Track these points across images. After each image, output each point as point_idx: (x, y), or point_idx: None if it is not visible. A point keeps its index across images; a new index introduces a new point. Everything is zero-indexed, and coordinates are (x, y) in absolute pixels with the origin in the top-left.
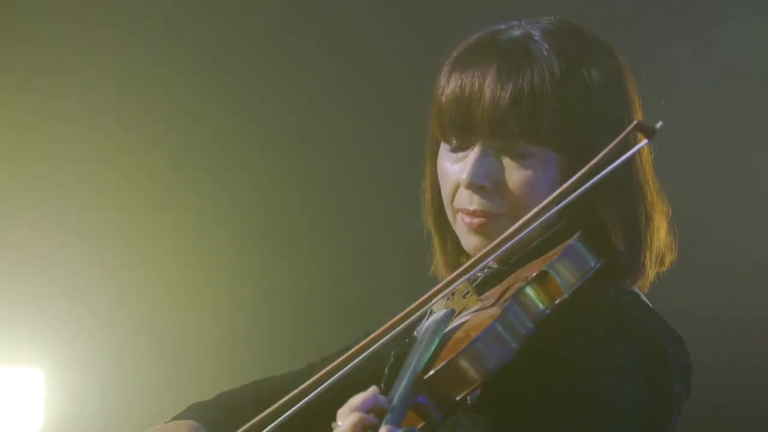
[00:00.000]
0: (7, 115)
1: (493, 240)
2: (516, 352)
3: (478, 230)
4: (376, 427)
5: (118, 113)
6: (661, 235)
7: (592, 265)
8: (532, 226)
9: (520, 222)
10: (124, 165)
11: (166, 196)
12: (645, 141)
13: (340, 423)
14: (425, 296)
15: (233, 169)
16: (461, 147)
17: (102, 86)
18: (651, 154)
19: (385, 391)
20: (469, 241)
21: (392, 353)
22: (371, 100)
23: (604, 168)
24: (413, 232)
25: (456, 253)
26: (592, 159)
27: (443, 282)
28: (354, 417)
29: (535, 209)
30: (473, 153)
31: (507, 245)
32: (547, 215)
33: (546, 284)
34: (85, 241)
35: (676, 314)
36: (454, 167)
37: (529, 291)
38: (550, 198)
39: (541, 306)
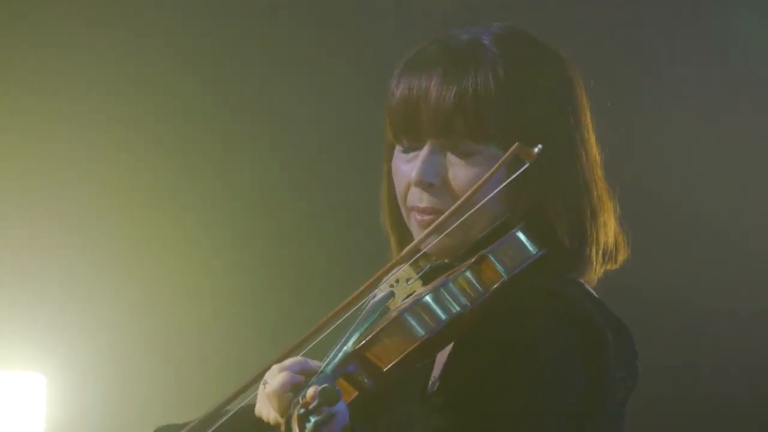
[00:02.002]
0: (7, 116)
1: (447, 236)
2: (447, 325)
3: (429, 227)
4: (304, 385)
5: (116, 113)
6: (608, 231)
7: (533, 253)
8: (464, 215)
9: (450, 210)
10: (124, 168)
11: (167, 198)
12: (526, 164)
13: (269, 381)
14: (365, 285)
15: (234, 170)
16: (412, 147)
17: (100, 86)
18: (600, 154)
19: None
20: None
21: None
22: (371, 97)
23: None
24: None
25: None
26: (544, 155)
27: (382, 270)
28: (283, 375)
29: (461, 199)
30: (422, 152)
31: (441, 230)
32: (479, 204)
33: (484, 268)
34: (86, 244)
35: (680, 313)
36: (406, 167)
37: (468, 273)
38: (473, 188)
39: (479, 288)
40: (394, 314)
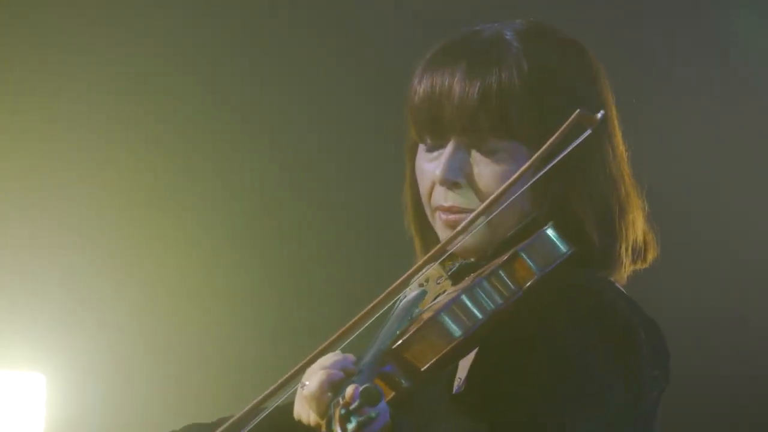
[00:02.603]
0: (7, 116)
1: (472, 235)
2: (484, 324)
3: (454, 226)
4: (343, 384)
5: (116, 113)
6: (637, 228)
7: (564, 251)
8: (493, 213)
9: (480, 208)
10: (124, 168)
11: (167, 198)
12: (588, 131)
13: (308, 382)
14: (396, 283)
15: (234, 170)
16: (436, 146)
17: (100, 86)
18: (628, 151)
19: None
20: (447, 237)
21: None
22: (372, 98)
23: (555, 157)
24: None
25: None
26: (561, 152)
27: (412, 269)
28: (322, 374)
29: (492, 197)
30: (446, 150)
31: (470, 229)
32: (507, 202)
33: (517, 266)
34: (86, 244)
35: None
36: (430, 166)
37: (501, 272)
38: (504, 186)
39: (512, 286)
40: (429, 314)
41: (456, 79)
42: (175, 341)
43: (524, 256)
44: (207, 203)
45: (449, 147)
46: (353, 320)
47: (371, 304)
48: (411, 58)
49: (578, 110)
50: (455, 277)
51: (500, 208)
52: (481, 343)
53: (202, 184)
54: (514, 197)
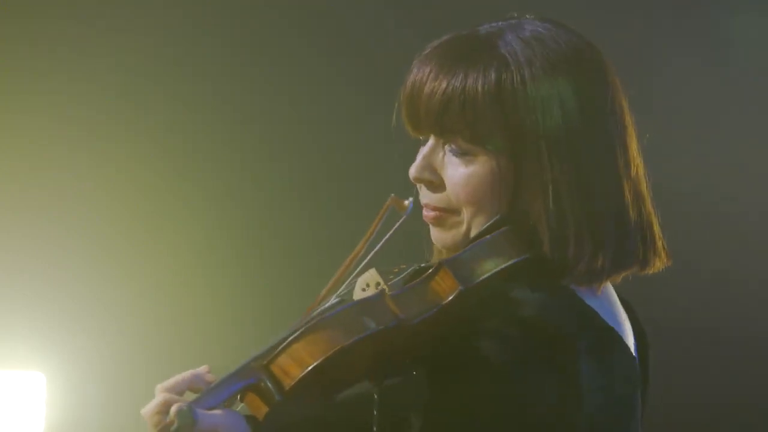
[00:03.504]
0: (7, 116)
1: (450, 233)
2: (373, 334)
3: (435, 223)
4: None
5: (116, 113)
6: (628, 234)
7: (511, 259)
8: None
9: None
10: (124, 167)
11: (167, 198)
12: (403, 217)
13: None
14: (325, 288)
15: (235, 170)
16: (424, 142)
17: (101, 88)
18: (641, 161)
19: None
20: (431, 233)
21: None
22: (371, 98)
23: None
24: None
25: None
26: (535, 160)
27: (337, 273)
28: (159, 397)
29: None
30: (425, 147)
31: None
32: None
33: (439, 278)
34: (86, 243)
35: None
36: None
37: (421, 284)
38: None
39: (431, 299)
40: (307, 323)
41: (428, 78)
42: (176, 341)
43: (447, 267)
44: (208, 203)
45: (427, 145)
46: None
47: (309, 314)
48: (412, 58)
49: (392, 195)
50: (405, 281)
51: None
52: (428, 358)
53: (202, 184)
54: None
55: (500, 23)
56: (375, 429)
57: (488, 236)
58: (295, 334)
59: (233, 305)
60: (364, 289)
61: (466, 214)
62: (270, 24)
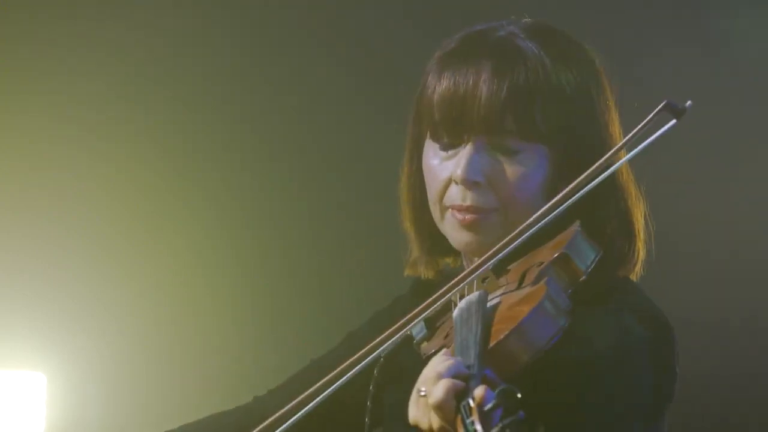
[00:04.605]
0: (7, 116)
1: (484, 235)
2: (565, 330)
3: (470, 226)
4: (467, 392)
5: (116, 113)
6: (641, 227)
7: (596, 250)
8: (550, 216)
9: (529, 231)
10: (125, 167)
11: (167, 198)
12: (673, 121)
13: (424, 389)
14: (437, 293)
15: (235, 170)
16: (452, 145)
17: (101, 88)
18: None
19: (378, 391)
20: (461, 237)
21: (381, 354)
22: (371, 98)
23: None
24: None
25: (439, 251)
26: (581, 152)
27: (453, 281)
28: (446, 383)
29: (555, 199)
30: (466, 150)
31: (522, 237)
32: (548, 218)
33: (568, 266)
34: (86, 243)
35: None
36: (445, 165)
37: (555, 271)
38: (567, 189)
39: (569, 286)
40: (511, 318)
41: (482, 78)
42: (175, 341)
43: (572, 256)
44: (208, 204)
45: (469, 147)
46: (385, 333)
47: (403, 320)
48: (411, 59)
49: (665, 101)
50: (497, 272)
51: (539, 226)
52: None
53: (203, 184)
54: (558, 211)
55: (502, 22)
56: (371, 390)
57: (576, 228)
58: (514, 326)
59: (233, 305)
60: (466, 287)
61: (509, 213)
62: (270, 24)
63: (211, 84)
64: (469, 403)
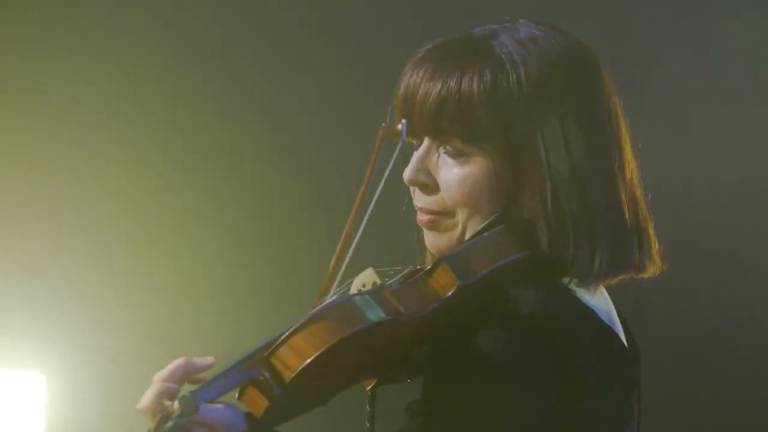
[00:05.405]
0: (7, 116)
1: (446, 236)
2: (373, 327)
3: (429, 227)
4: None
5: (116, 113)
6: (623, 236)
7: (511, 257)
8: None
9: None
10: (124, 168)
11: (167, 199)
12: (399, 145)
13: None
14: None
15: (235, 170)
16: (417, 145)
17: (101, 88)
18: (635, 163)
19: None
20: (425, 238)
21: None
22: (371, 99)
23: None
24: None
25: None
26: (532, 158)
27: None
28: (155, 387)
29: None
30: (419, 150)
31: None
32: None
33: (437, 275)
34: (86, 243)
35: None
36: None
37: (420, 280)
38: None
39: (434, 292)
40: (306, 317)
41: (423, 78)
42: (175, 341)
43: (445, 263)
44: (208, 204)
45: (421, 147)
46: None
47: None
48: (411, 59)
49: (382, 125)
50: (405, 279)
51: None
52: (430, 357)
53: (203, 184)
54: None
55: (494, 26)
56: (368, 425)
57: (486, 234)
58: (296, 326)
59: (233, 304)
60: (360, 289)
61: (461, 215)
62: (270, 24)
63: (211, 84)
64: (166, 409)
